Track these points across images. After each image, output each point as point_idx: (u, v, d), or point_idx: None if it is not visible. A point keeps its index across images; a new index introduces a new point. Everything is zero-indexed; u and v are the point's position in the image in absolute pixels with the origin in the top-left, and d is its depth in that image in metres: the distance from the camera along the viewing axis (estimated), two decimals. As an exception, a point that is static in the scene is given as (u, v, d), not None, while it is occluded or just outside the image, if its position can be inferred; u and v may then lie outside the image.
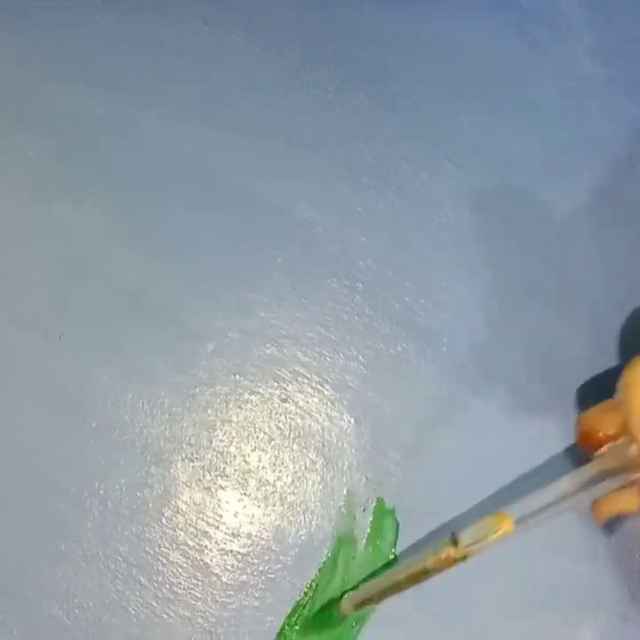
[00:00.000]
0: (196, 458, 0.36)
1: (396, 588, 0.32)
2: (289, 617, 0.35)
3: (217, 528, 0.35)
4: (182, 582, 0.35)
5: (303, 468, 0.36)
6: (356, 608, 0.34)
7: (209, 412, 0.36)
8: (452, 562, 0.31)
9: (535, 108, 0.40)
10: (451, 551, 0.30)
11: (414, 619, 0.35)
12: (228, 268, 0.38)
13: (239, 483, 0.36)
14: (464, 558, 0.31)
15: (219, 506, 0.36)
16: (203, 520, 0.36)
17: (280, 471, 0.36)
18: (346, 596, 0.34)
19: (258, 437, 0.36)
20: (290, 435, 0.36)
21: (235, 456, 0.36)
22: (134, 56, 0.40)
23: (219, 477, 0.36)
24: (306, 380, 0.37)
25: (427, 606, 0.35)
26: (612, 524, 0.34)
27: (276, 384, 0.37)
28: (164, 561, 0.35)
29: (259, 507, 0.36)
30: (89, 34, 0.40)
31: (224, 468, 0.36)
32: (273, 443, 0.36)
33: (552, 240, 0.38)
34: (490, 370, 0.37)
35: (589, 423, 0.32)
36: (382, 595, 0.33)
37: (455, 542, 0.31)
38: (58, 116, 0.40)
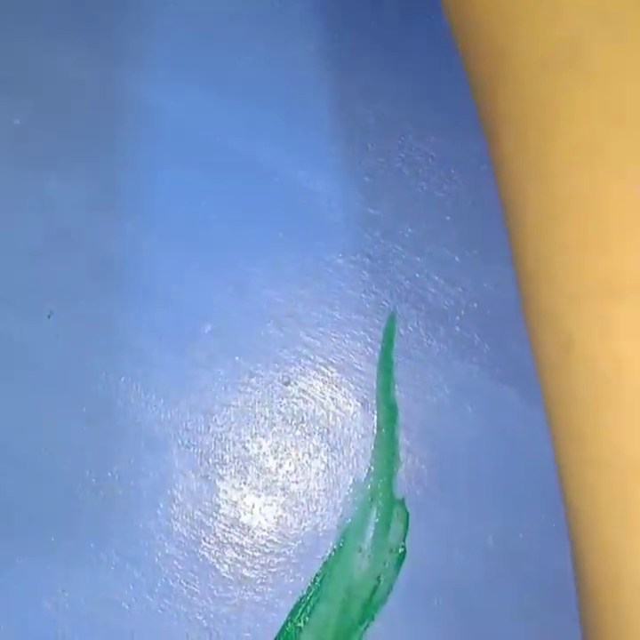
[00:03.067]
0: (193, 444, 0.34)
1: None
2: (292, 614, 0.33)
3: (215, 519, 0.33)
4: (178, 576, 0.33)
5: (306, 455, 0.34)
6: None
7: (206, 395, 0.34)
8: None
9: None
10: None
11: (420, 617, 0.33)
12: (225, 242, 0.36)
13: (238, 471, 0.34)
14: None
15: (217, 495, 0.34)
16: (200, 510, 0.34)
17: (282, 458, 0.34)
18: None
19: (258, 422, 0.34)
20: (292, 420, 0.34)
21: (234, 442, 0.34)
22: (122, 13, 0.38)
23: (217, 465, 0.34)
24: (309, 362, 0.35)
25: (434, 605, 0.33)
26: None
27: (277, 366, 0.35)
28: (159, 554, 0.33)
29: (259, 496, 0.34)
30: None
31: (222, 455, 0.34)
32: (274, 428, 0.34)
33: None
34: (505, 349, 0.35)
35: None
36: None
37: None
38: (39, 78, 0.37)
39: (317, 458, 0.34)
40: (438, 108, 0.37)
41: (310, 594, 0.33)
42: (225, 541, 0.33)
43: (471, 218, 0.36)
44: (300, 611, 0.33)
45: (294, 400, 0.34)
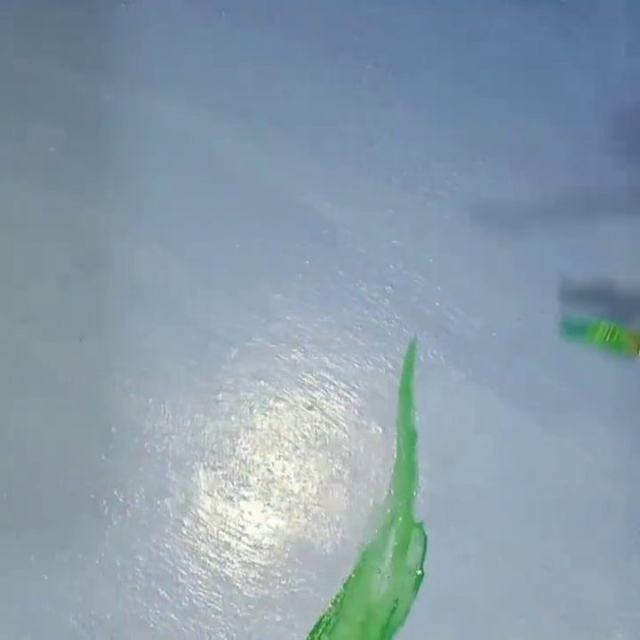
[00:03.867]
0: (219, 466, 0.35)
1: None
2: (312, 633, 0.34)
3: (239, 539, 0.34)
4: (202, 595, 0.34)
5: (329, 478, 0.35)
6: None
7: (232, 418, 0.35)
8: None
9: (566, 102, 0.38)
10: None
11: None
12: (251, 269, 0.37)
13: (262, 493, 0.35)
14: None
15: (241, 516, 0.34)
16: (224, 531, 0.34)
17: (305, 481, 0.35)
18: None
19: (282, 446, 0.35)
20: (315, 443, 0.35)
21: (258, 465, 0.35)
22: (152, 46, 0.39)
23: (241, 487, 0.35)
24: (333, 387, 0.36)
25: (450, 626, 0.33)
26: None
27: (301, 390, 0.36)
28: (184, 573, 0.34)
29: (282, 518, 0.35)
30: (109, 21, 0.39)
31: (247, 477, 0.35)
32: (298, 451, 0.35)
33: (586, 240, 0.37)
34: (523, 378, 0.36)
35: None
36: None
37: None
38: (71, 106, 0.38)
39: (339, 481, 0.35)
40: (460, 143, 0.38)
41: (331, 614, 0.34)
42: (248, 562, 0.34)
43: (491, 250, 0.37)
44: (321, 630, 0.34)
45: (318, 424, 0.35)
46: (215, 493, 0.35)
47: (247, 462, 0.35)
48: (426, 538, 0.35)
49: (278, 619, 0.34)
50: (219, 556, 0.34)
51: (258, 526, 0.34)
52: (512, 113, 0.38)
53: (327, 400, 0.36)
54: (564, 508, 0.33)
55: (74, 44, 0.39)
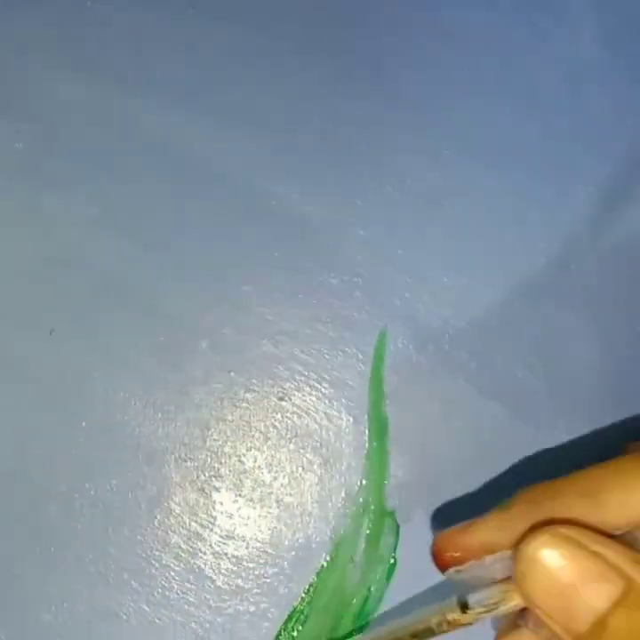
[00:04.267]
0: (190, 458, 0.35)
1: None
2: (285, 623, 0.34)
3: (211, 530, 0.34)
4: (175, 586, 0.34)
5: (300, 468, 0.35)
6: None
7: (203, 410, 0.35)
8: (459, 626, 0.28)
9: (536, 95, 0.39)
10: (457, 616, 0.28)
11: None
12: (221, 262, 0.37)
13: (234, 484, 0.35)
14: (471, 623, 0.28)
15: (213, 507, 0.35)
16: (196, 522, 0.34)
17: (276, 472, 0.35)
18: None
19: (254, 437, 0.35)
20: (287, 434, 0.35)
21: (229, 456, 0.35)
22: (121, 41, 0.39)
23: (213, 478, 0.35)
24: (303, 378, 0.36)
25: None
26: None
27: (272, 382, 0.36)
28: (157, 564, 0.34)
29: (254, 508, 0.35)
30: (75, 18, 0.39)
31: (218, 469, 0.35)
32: (269, 442, 0.35)
33: (553, 231, 0.37)
34: (492, 367, 0.36)
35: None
36: None
37: (464, 606, 0.28)
38: (41, 102, 0.38)
39: (311, 471, 0.35)
40: (429, 134, 0.38)
41: (304, 604, 0.34)
42: (221, 552, 0.34)
43: (459, 240, 0.37)
44: (294, 620, 0.34)
45: (288, 415, 0.36)
46: (186, 485, 0.35)
47: (218, 454, 0.35)
48: (398, 526, 0.35)
49: (252, 609, 0.34)
50: (191, 547, 0.34)
51: (230, 517, 0.35)
52: (482, 105, 0.39)
53: (298, 391, 0.36)
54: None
55: (41, 40, 0.39)
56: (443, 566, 0.29)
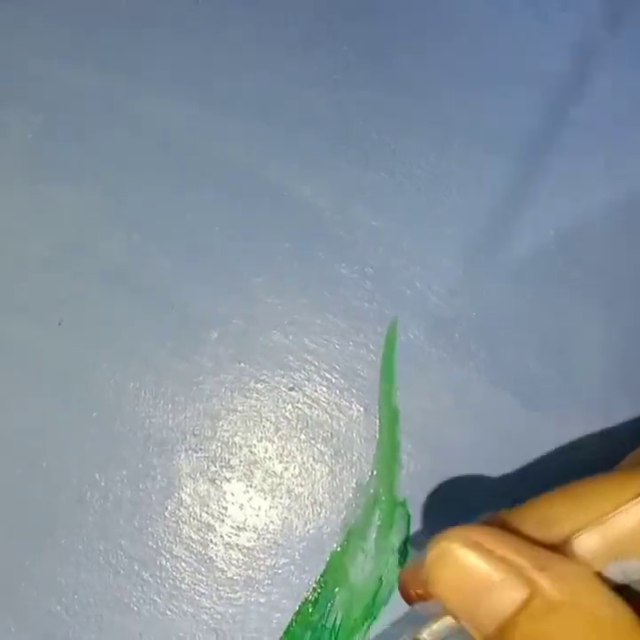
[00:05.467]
0: (200, 448, 0.35)
1: None
2: (296, 613, 0.34)
3: (222, 521, 0.34)
4: (186, 577, 0.34)
5: (311, 458, 0.35)
6: None
7: (213, 401, 0.35)
8: None
9: (544, 81, 0.38)
10: None
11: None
12: (231, 252, 0.37)
13: (245, 474, 0.35)
14: None
15: (223, 498, 0.34)
16: (207, 513, 0.34)
17: (287, 462, 0.35)
18: None
19: (264, 427, 0.35)
20: (297, 425, 0.35)
21: (240, 446, 0.35)
22: (126, 31, 0.39)
23: (223, 469, 0.35)
24: (314, 368, 0.36)
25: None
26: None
27: (282, 372, 0.36)
28: (167, 555, 0.34)
29: (265, 499, 0.35)
30: (79, 8, 0.39)
31: (229, 459, 0.35)
32: (280, 433, 0.35)
33: (565, 220, 0.37)
34: (503, 356, 0.36)
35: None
36: None
37: None
38: (49, 93, 0.38)
39: (322, 461, 0.35)
40: (437, 122, 0.38)
41: (315, 594, 0.34)
42: (231, 543, 0.34)
43: (470, 230, 0.37)
44: (305, 610, 0.34)
45: (299, 405, 0.35)
46: (197, 476, 0.35)
47: (229, 444, 0.35)
48: (410, 516, 0.35)
49: (262, 599, 0.34)
50: (202, 537, 0.34)
51: (241, 508, 0.34)
52: (486, 92, 0.39)
53: (308, 381, 0.36)
54: (542, 481, 0.33)
55: (46, 30, 0.39)
56: (408, 602, 0.29)
